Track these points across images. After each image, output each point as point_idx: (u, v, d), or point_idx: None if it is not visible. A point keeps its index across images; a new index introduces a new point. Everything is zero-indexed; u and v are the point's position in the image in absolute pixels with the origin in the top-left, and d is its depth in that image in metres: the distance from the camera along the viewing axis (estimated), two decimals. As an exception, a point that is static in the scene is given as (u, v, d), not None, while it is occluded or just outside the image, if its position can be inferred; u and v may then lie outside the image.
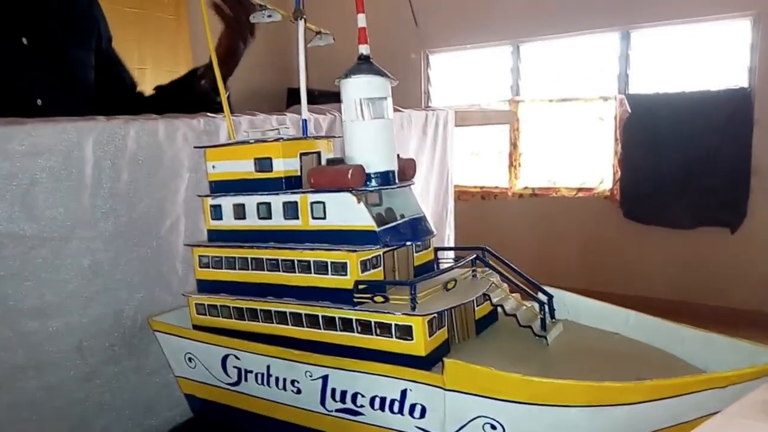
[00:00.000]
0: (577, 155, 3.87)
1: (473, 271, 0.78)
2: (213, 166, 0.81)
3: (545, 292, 0.76)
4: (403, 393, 0.64)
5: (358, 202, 0.69)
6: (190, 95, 1.24)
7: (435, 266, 0.81)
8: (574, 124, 3.84)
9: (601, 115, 3.74)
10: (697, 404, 0.56)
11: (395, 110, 1.39)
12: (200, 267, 0.82)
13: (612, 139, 3.70)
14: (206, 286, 0.81)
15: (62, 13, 1.22)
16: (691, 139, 3.43)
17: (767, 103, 3.26)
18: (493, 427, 0.59)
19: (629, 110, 3.57)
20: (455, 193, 1.87)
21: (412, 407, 0.64)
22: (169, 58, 3.77)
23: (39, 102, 1.14)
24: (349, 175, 0.69)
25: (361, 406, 0.67)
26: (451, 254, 0.86)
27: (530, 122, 3.99)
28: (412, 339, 0.64)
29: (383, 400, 0.65)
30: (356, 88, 0.71)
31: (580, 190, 3.87)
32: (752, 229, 3.37)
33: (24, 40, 1.15)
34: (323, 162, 0.79)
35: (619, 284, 3.40)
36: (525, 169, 4.08)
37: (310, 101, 1.02)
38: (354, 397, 0.68)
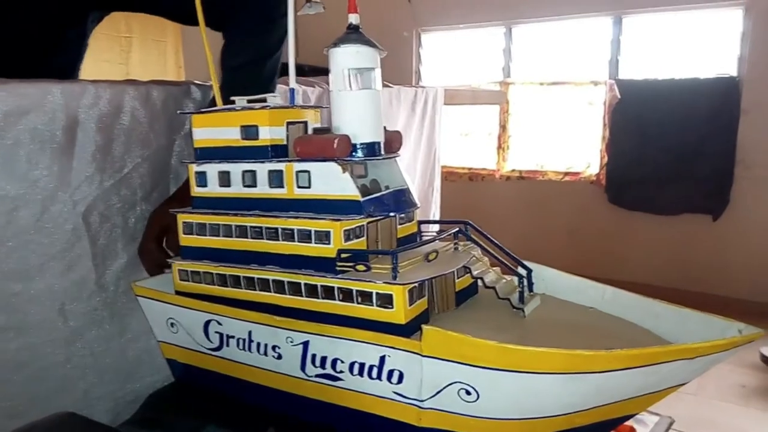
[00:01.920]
0: (566, 139, 3.89)
1: (455, 244, 0.79)
2: (199, 133, 0.81)
3: (525, 266, 0.78)
4: (382, 359, 0.65)
5: (343, 172, 0.70)
6: None
7: (418, 239, 0.82)
8: (564, 108, 3.85)
9: (591, 99, 3.76)
10: (667, 375, 0.58)
11: (384, 86, 1.39)
12: (184, 233, 0.82)
13: (600, 124, 3.72)
14: (190, 253, 0.82)
15: None
16: (679, 126, 3.45)
17: (755, 93, 3.28)
18: (468, 393, 0.60)
19: (619, 95, 3.59)
20: (443, 173, 1.88)
21: (390, 373, 0.65)
22: (157, 26, 3.70)
23: None
24: (335, 145, 0.69)
25: (341, 371, 0.69)
26: (435, 229, 0.86)
27: (520, 105, 3.99)
28: (392, 307, 0.65)
29: (362, 365, 0.67)
30: (345, 58, 0.71)
31: (566, 174, 3.89)
32: (734, 218, 3.42)
33: None
34: (310, 131, 0.79)
35: (602, 269, 3.44)
36: (513, 152, 4.09)
37: (300, 76, 1.01)
38: (334, 362, 0.69)
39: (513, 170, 4.08)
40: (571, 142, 3.88)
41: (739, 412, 2.38)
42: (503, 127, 4.05)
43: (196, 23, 0.80)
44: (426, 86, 1.61)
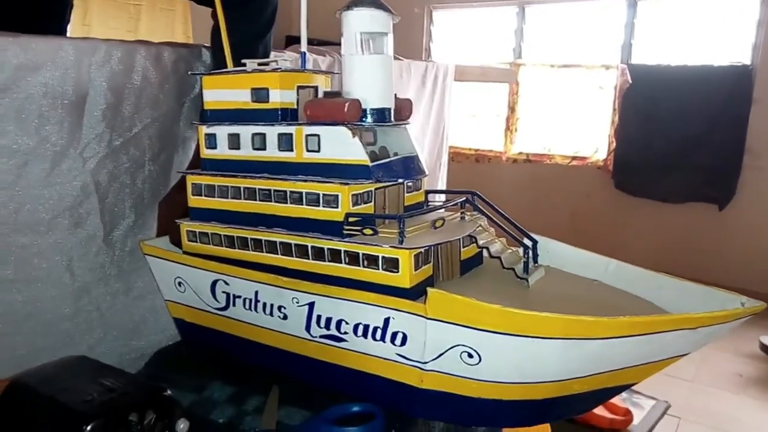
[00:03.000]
0: (574, 123, 3.86)
1: (462, 213, 0.79)
2: (209, 94, 0.81)
3: (530, 237, 0.78)
4: (386, 321, 0.66)
5: (353, 137, 0.70)
6: None
7: (425, 207, 0.82)
8: (574, 91, 3.81)
9: (602, 83, 3.72)
10: (668, 344, 0.58)
11: (395, 58, 1.38)
12: (193, 195, 0.82)
13: (610, 109, 3.69)
14: (198, 214, 0.82)
15: None
16: (689, 114, 3.42)
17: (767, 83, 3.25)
18: (470, 356, 0.61)
19: (630, 80, 3.55)
20: (449, 154, 1.88)
21: (394, 335, 0.66)
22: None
23: None
24: (346, 109, 0.69)
25: (345, 333, 0.69)
26: (442, 199, 0.87)
27: (530, 86, 3.96)
28: (398, 271, 0.66)
29: (366, 327, 0.67)
30: (357, 21, 0.71)
31: (574, 158, 3.87)
32: (740, 207, 3.40)
33: None
34: (320, 96, 0.79)
35: (605, 254, 3.44)
36: (521, 134, 4.06)
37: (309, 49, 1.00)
38: (338, 324, 0.70)
39: (520, 153, 4.06)
40: (579, 127, 3.85)
41: (734, 400, 2.39)
42: (512, 109, 4.02)
43: None
44: (437, 61, 1.60)
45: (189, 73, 0.89)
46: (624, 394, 1.52)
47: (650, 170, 3.58)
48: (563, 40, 3.87)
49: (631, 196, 3.69)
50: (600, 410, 1.40)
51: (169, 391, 0.58)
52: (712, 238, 3.49)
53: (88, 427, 0.48)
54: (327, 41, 1.93)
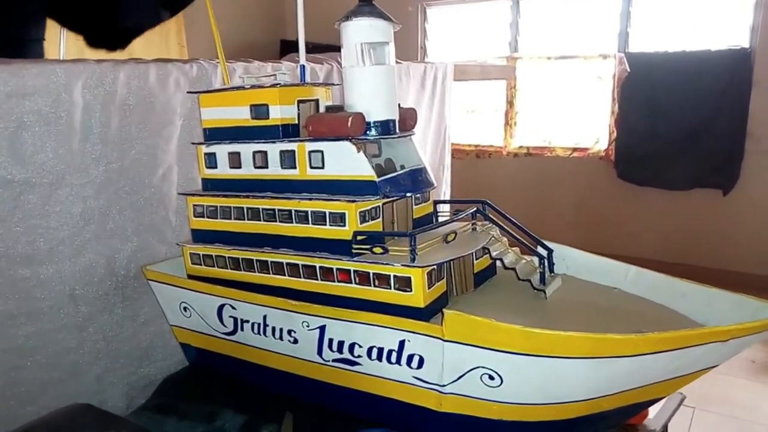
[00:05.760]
0: (574, 114, 3.83)
1: (473, 224, 0.77)
2: (207, 113, 0.79)
3: (545, 246, 0.75)
4: (401, 343, 0.63)
5: (358, 152, 0.68)
6: None
7: (434, 219, 0.80)
8: (572, 83, 3.78)
9: (600, 73, 3.69)
10: (698, 357, 0.56)
11: (393, 62, 1.35)
12: (195, 216, 0.80)
13: (609, 99, 3.66)
14: (201, 236, 0.80)
15: None
16: (689, 100, 3.39)
17: (767, 65, 3.21)
18: (491, 378, 0.59)
19: (628, 69, 3.52)
20: (450, 151, 1.85)
21: (410, 357, 0.63)
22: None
23: None
24: (349, 123, 0.67)
25: (359, 356, 0.67)
26: (450, 210, 0.84)
27: (527, 80, 3.93)
28: (411, 290, 0.64)
29: (381, 350, 0.65)
30: (357, 32, 0.68)
31: (575, 150, 3.84)
32: (744, 192, 3.37)
33: None
34: (322, 110, 0.76)
35: (612, 245, 3.41)
36: (520, 128, 4.04)
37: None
38: (351, 347, 0.67)
39: (520, 147, 4.03)
40: (579, 118, 3.82)
41: (749, 386, 2.37)
42: (510, 103, 3.99)
43: None
44: (435, 62, 1.58)
45: (187, 92, 0.87)
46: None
47: (652, 158, 3.55)
48: (559, 31, 3.84)
49: (634, 185, 3.66)
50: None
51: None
52: (718, 223, 3.46)
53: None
54: (323, 45, 1.89)
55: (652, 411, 1.98)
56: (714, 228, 3.50)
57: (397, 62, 1.40)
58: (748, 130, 3.32)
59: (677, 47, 3.45)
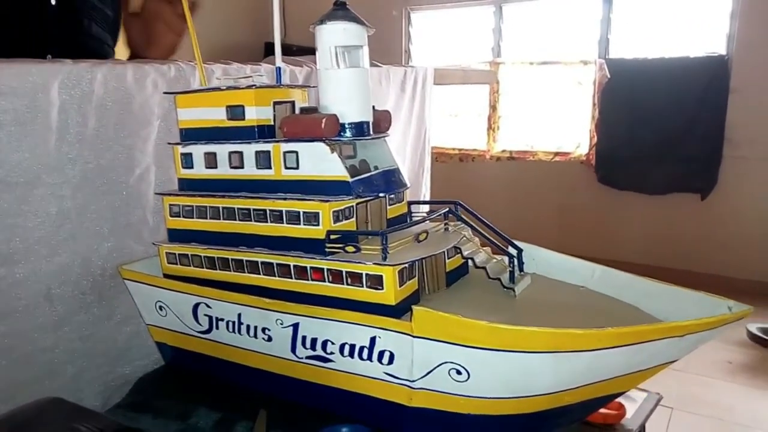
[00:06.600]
0: (556, 119, 3.88)
1: (445, 224, 0.78)
2: (183, 114, 0.79)
3: (515, 246, 0.77)
4: (372, 340, 0.65)
5: (332, 152, 0.69)
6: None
7: (408, 220, 0.82)
8: (554, 88, 3.83)
9: (581, 79, 3.74)
10: (656, 352, 0.58)
11: (373, 65, 1.37)
12: (171, 216, 0.81)
13: (590, 104, 3.71)
14: (177, 236, 0.81)
15: None
16: (668, 106, 3.46)
17: (743, 72, 3.29)
18: (459, 372, 0.60)
19: (608, 75, 3.58)
20: (433, 154, 1.87)
21: (381, 354, 0.65)
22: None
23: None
24: (323, 125, 0.68)
25: (331, 353, 0.68)
26: (425, 210, 0.86)
27: (510, 85, 3.97)
28: (382, 288, 0.65)
29: (353, 347, 0.66)
30: (331, 35, 0.69)
31: (557, 154, 3.89)
32: (722, 197, 3.44)
33: (53, 1, 1.11)
34: (297, 112, 0.78)
35: (592, 248, 3.46)
36: (503, 132, 4.08)
37: (287, 55, 0.99)
38: (324, 344, 0.68)
39: (503, 151, 4.07)
40: (561, 123, 3.87)
41: (725, 387, 2.42)
42: (493, 108, 4.03)
43: None
44: (416, 66, 1.59)
45: (164, 92, 0.87)
46: (616, 390, 1.53)
47: (633, 163, 3.61)
48: (541, 37, 3.90)
49: (615, 189, 3.72)
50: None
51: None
52: (696, 227, 3.53)
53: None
54: (308, 48, 1.90)
55: (630, 410, 2.01)
56: (692, 232, 3.56)
57: (377, 65, 1.42)
58: (725, 136, 3.39)
59: (656, 54, 3.52)
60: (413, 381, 0.64)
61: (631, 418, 1.92)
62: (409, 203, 0.82)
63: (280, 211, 0.71)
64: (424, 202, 0.86)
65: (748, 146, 3.32)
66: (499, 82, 3.95)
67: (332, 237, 0.69)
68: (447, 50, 4.21)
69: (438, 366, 0.61)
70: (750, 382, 2.45)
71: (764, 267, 3.25)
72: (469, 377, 0.60)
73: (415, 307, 0.60)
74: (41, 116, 0.77)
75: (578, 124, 3.80)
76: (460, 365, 0.60)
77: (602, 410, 1.77)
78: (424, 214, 0.83)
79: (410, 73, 1.54)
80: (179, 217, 0.80)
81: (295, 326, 0.70)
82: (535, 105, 3.93)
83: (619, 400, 1.84)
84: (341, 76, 0.70)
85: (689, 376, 2.44)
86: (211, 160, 0.77)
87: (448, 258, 0.76)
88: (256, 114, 0.73)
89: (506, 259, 0.76)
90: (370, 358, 0.65)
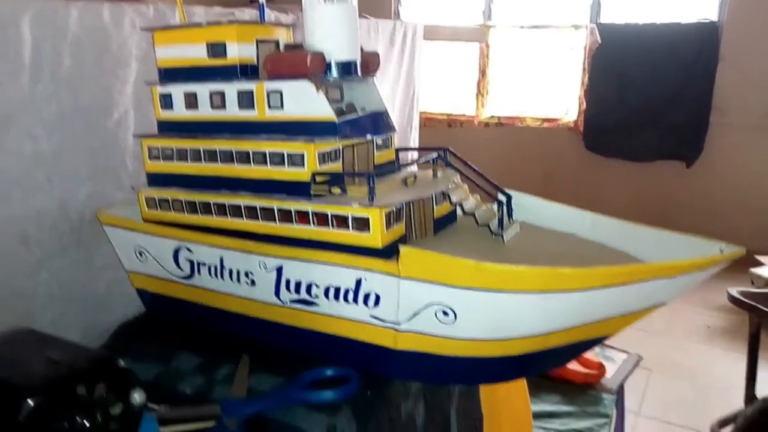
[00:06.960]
0: (545, 85, 3.85)
1: (434, 170, 0.77)
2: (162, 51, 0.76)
3: (504, 193, 0.76)
4: (358, 282, 0.63)
5: (318, 91, 0.66)
6: None
7: (396, 166, 0.80)
8: (544, 53, 3.79)
9: (572, 44, 3.70)
10: (647, 294, 0.57)
11: (362, 17, 1.33)
12: (150, 159, 0.78)
13: (580, 70, 3.68)
14: (157, 180, 0.78)
15: None
16: (658, 73, 3.43)
17: (733, 39, 3.26)
18: (445, 314, 0.59)
19: (599, 40, 3.53)
20: (421, 119, 1.84)
21: (367, 296, 0.63)
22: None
23: None
24: (308, 62, 0.66)
25: (316, 296, 0.67)
26: (414, 157, 0.84)
27: (500, 49, 3.92)
28: (368, 231, 0.63)
29: (338, 290, 0.65)
30: (318, -34, 0.66)
31: (545, 120, 3.87)
32: (707, 164, 3.45)
33: None
34: (282, 50, 0.75)
35: (577, 214, 3.47)
36: (492, 98, 4.04)
37: (272, 2, 0.95)
38: (309, 287, 0.67)
39: (492, 116, 4.04)
40: (550, 88, 3.84)
41: (704, 351, 2.46)
42: (482, 73, 3.99)
43: None
44: (405, 21, 1.56)
45: (140, 28, 0.84)
46: (597, 349, 1.54)
47: (620, 130, 3.60)
48: (532, 0, 3.83)
49: (602, 156, 3.71)
50: (574, 365, 1.42)
51: (121, 362, 0.54)
52: (681, 195, 3.55)
53: (30, 402, 0.45)
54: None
55: (610, 370, 2.04)
56: (678, 199, 3.58)
57: (366, 17, 1.39)
58: (713, 103, 3.38)
59: (648, 19, 3.47)
60: (399, 323, 0.63)
61: (611, 377, 1.94)
62: (398, 150, 0.80)
63: (264, 153, 0.69)
64: (413, 149, 0.84)
65: (736, 114, 3.31)
66: (489, 46, 3.89)
67: (318, 179, 0.67)
68: (437, 11, 4.14)
69: (425, 307, 0.60)
70: (727, 346, 2.49)
71: (748, 234, 3.28)
72: (456, 318, 0.59)
73: (402, 246, 0.59)
74: (12, 53, 0.73)
75: (567, 90, 3.77)
76: (447, 306, 0.59)
77: (583, 370, 1.80)
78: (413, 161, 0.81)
79: (399, 27, 1.50)
80: (159, 160, 0.77)
81: (279, 269, 0.68)
82: (525, 70, 3.89)
83: (600, 360, 1.87)
84: (328, 11, 0.68)
85: (669, 340, 2.48)
86: (191, 101, 0.74)
87: (437, 204, 0.75)
88: (238, 51, 0.70)
89: (495, 206, 0.75)
90: (355, 300, 0.64)
